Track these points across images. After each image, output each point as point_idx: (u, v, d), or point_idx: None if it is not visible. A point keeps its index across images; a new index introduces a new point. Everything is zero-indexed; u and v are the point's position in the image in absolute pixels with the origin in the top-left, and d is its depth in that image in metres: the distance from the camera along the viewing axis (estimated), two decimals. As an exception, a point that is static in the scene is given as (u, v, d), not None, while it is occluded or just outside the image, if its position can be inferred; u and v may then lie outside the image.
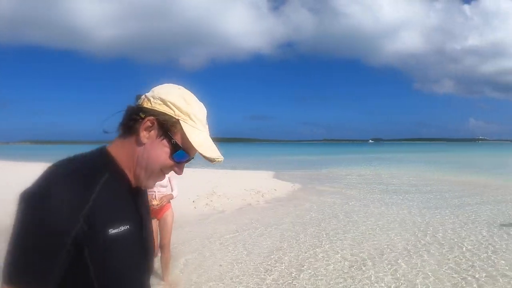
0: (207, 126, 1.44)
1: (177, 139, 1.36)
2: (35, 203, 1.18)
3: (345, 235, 9.66)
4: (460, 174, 27.79)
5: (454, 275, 6.67)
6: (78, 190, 1.21)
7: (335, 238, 9.37)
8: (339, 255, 7.95)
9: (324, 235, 9.65)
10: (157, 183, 4.90)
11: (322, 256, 7.89)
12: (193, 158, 1.42)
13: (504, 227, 10.14)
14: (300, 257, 7.87)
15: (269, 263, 7.51)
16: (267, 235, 9.72)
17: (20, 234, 1.17)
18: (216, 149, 1.43)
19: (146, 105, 1.35)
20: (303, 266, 7.28)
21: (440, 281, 6.41)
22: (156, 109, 1.34)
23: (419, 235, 9.56)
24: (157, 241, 5.82)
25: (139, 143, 1.35)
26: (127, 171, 1.38)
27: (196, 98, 1.43)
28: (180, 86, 1.43)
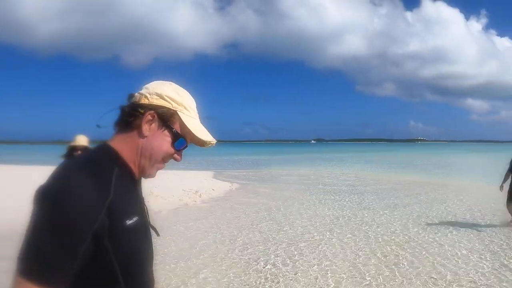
0: (197, 114, 1.62)
1: (176, 128, 1.51)
2: (57, 199, 1.22)
3: (280, 234, 9.96)
4: (398, 173, 29.78)
5: (383, 268, 7.22)
6: (97, 185, 1.30)
7: (270, 237, 9.64)
8: (273, 254, 8.18)
9: (259, 234, 9.95)
10: None
11: (256, 256, 8.07)
12: (188, 145, 1.58)
13: (432, 224, 10.99)
14: (233, 256, 8.07)
15: (201, 262, 7.68)
16: (200, 235, 9.92)
17: (42, 231, 1.20)
18: (209, 133, 1.61)
19: (144, 101, 1.48)
20: (234, 266, 7.45)
21: (368, 274, 6.90)
22: (155, 103, 1.48)
23: (351, 233, 10.04)
24: None
25: (141, 136, 1.46)
26: (131, 164, 1.48)
27: (186, 91, 1.60)
28: (170, 82, 1.59)
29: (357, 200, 15.91)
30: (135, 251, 1.42)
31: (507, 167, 10.68)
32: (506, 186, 10.47)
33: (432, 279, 6.59)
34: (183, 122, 1.51)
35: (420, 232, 9.99)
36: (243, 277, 6.81)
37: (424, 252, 8.17)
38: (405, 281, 6.56)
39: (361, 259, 7.76)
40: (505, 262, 7.41)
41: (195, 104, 1.62)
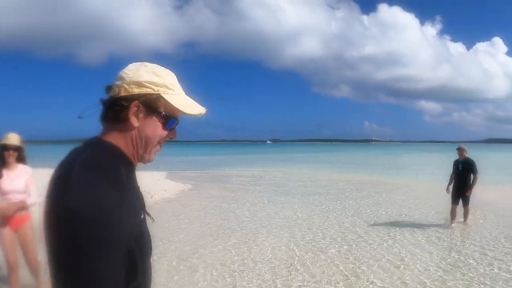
0: (180, 88, 1.57)
1: (164, 110, 1.48)
2: (95, 216, 1.21)
3: (231, 235, 10.02)
4: (350, 173, 30.85)
5: (324, 261, 7.60)
6: (121, 192, 1.30)
7: (220, 238, 9.68)
8: (222, 254, 8.28)
9: (209, 235, 10.00)
10: (13, 188, 5.01)
11: (207, 258, 8.10)
12: (179, 120, 1.57)
13: (380, 224, 11.29)
14: (183, 256, 8.10)
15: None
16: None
17: (94, 251, 1.19)
18: (197, 104, 1.60)
19: (125, 93, 1.43)
20: (184, 265, 7.50)
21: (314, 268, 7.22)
22: (135, 93, 1.43)
23: (299, 233, 10.24)
24: (14, 256, 5.27)
25: (132, 127, 1.44)
26: (131, 157, 1.49)
27: (161, 67, 1.54)
28: (143, 62, 1.52)
29: (306, 199, 16.20)
30: (146, 243, 1.46)
31: (452, 169, 11.10)
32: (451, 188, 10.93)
33: (378, 279, 6.72)
34: (169, 102, 1.47)
35: (368, 231, 10.30)
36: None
37: (372, 252, 8.39)
38: (351, 277, 6.76)
39: (296, 259, 7.91)
40: (448, 265, 7.59)
41: (175, 77, 1.58)
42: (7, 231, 5.18)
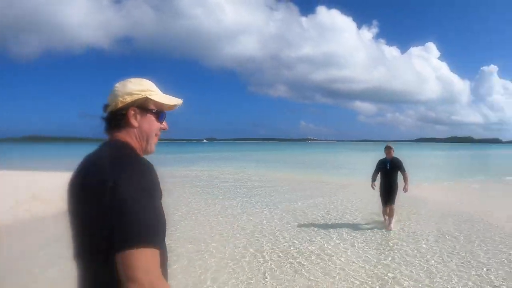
0: (157, 88, 2.01)
1: (154, 107, 1.94)
2: (142, 174, 1.66)
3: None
4: (282, 171, 31.39)
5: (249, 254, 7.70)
6: (148, 167, 1.73)
7: None
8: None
9: None
10: None
11: None
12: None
13: (311, 223, 11.23)
14: None
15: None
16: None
17: (140, 203, 1.55)
18: (174, 97, 2.05)
19: (121, 104, 1.86)
20: None
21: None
22: (129, 101, 1.86)
23: (230, 226, 10.61)
24: None
25: (133, 127, 1.88)
26: (139, 151, 1.91)
27: (141, 78, 2.00)
28: (128, 79, 1.96)
29: (241, 197, 16.39)
30: (164, 222, 1.72)
31: (374, 168, 11.22)
32: (378, 186, 11.07)
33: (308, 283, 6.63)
34: (156, 101, 1.94)
35: (297, 232, 10.17)
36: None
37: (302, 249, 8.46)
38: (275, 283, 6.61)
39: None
40: (383, 262, 7.65)
41: (152, 83, 2.03)
42: None
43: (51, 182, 21.78)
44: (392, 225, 10.41)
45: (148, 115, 1.92)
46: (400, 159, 10.91)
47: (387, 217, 10.74)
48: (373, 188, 11.08)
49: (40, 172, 25.86)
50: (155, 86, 2.01)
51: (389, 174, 10.76)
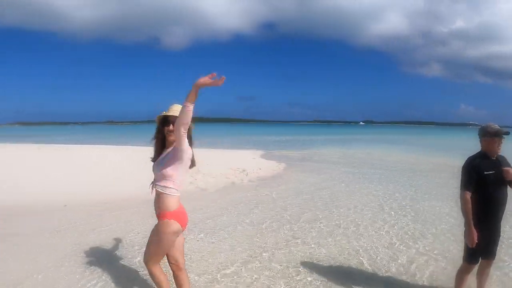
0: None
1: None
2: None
3: (325, 213, 10.27)
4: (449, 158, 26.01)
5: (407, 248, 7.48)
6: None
7: (316, 217, 9.92)
8: (318, 233, 8.51)
9: (306, 214, 10.23)
10: None
11: (302, 234, 8.41)
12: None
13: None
14: (280, 235, 8.39)
15: (255, 240, 8.01)
16: (243, 213, 10.33)
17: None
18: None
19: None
20: (284, 245, 7.70)
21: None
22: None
23: (392, 212, 10.48)
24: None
25: None
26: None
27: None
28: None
29: (407, 182, 15.89)
30: None
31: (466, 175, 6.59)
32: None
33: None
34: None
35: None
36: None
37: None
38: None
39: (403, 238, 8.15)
40: None
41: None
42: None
43: (214, 157, 23.33)
44: None
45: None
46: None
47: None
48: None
49: (201, 149, 27.81)
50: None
51: (499, 189, 4.81)
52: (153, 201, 4.36)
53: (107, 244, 7.79)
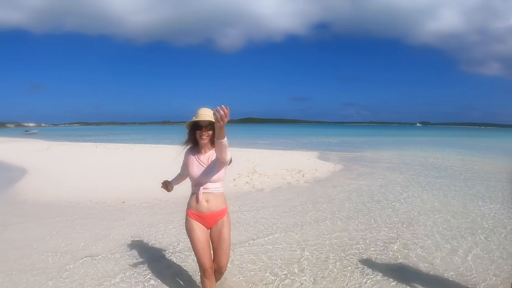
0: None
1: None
2: None
3: (382, 217, 9.92)
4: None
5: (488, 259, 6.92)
6: None
7: (372, 220, 9.59)
8: (374, 236, 8.20)
9: (361, 216, 9.90)
10: None
11: (360, 238, 8.06)
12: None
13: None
14: (335, 236, 8.17)
15: (307, 242, 7.83)
16: (299, 214, 10.16)
17: None
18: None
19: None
20: (349, 248, 7.44)
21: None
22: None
23: (454, 221, 9.54)
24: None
25: None
26: None
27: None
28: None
29: (463, 187, 14.72)
30: None
31: None
32: None
33: None
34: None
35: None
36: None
37: None
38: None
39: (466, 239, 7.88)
40: None
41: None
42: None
43: (270, 158, 23.72)
44: None
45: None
46: None
47: None
48: None
49: (256, 149, 27.58)
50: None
51: None
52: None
53: (160, 241, 7.95)
